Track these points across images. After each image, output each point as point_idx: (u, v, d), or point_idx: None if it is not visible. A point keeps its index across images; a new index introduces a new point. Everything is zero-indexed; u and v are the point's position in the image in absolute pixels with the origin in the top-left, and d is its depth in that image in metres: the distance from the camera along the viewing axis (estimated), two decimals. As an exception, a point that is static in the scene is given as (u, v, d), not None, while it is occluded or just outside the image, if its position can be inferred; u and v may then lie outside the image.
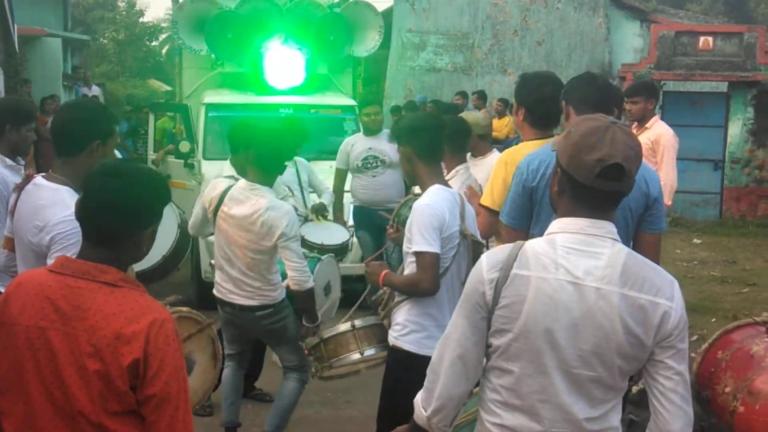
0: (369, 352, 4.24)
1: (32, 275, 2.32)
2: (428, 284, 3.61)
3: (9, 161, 4.75)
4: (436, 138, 3.84)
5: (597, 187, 2.21)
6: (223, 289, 4.77)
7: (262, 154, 4.66)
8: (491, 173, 4.12)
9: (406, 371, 3.70)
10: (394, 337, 3.79)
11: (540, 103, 4.02)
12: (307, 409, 5.69)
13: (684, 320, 2.23)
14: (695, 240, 12.47)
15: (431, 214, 3.60)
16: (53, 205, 3.23)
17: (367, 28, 9.98)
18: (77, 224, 2.78)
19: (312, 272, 5.08)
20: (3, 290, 4.15)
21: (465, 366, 2.37)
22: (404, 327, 3.76)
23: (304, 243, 5.55)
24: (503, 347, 2.27)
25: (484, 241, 3.76)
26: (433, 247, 3.56)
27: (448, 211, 3.64)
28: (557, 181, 2.32)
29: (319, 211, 6.69)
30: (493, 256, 2.32)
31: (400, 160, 3.96)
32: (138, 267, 3.27)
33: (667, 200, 5.73)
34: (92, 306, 2.17)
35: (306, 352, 4.56)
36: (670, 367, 2.23)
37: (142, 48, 38.81)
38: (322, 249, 5.55)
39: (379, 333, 4.01)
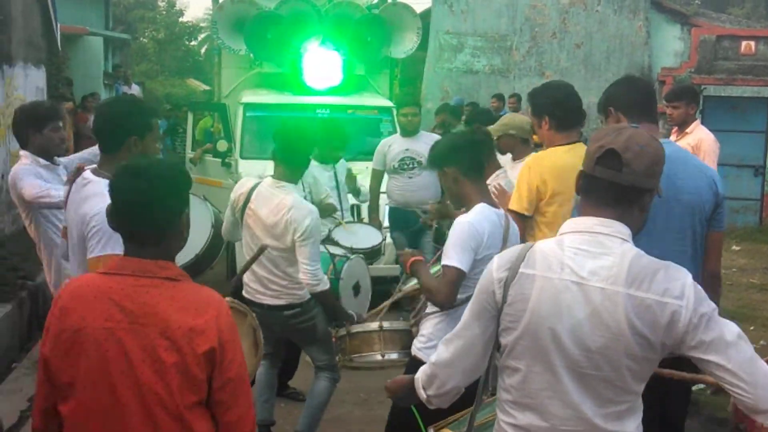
0: (391, 356, 4.25)
1: (85, 281, 2.38)
2: (443, 297, 3.58)
3: (43, 161, 4.93)
4: (479, 154, 3.81)
5: (597, 176, 2.25)
6: (251, 289, 4.79)
7: (283, 149, 4.68)
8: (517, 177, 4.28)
9: None
10: (417, 347, 3.78)
11: (558, 105, 4.26)
12: (339, 409, 5.72)
13: (701, 314, 2.16)
14: (734, 247, 12.30)
15: (470, 232, 3.56)
16: (93, 196, 3.32)
17: (404, 29, 9.99)
18: None
19: (340, 272, 5.16)
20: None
21: (468, 360, 2.44)
22: (429, 340, 3.72)
23: (336, 245, 5.58)
24: (510, 345, 2.31)
25: None
26: (461, 264, 3.52)
27: (488, 232, 3.59)
28: (576, 182, 2.37)
29: (351, 180, 6.87)
30: (503, 256, 2.38)
31: (443, 184, 3.88)
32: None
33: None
34: (160, 302, 2.25)
35: (334, 339, 4.57)
36: (715, 362, 2.17)
37: (181, 47, 39.16)
38: (352, 252, 5.55)
39: (405, 339, 3.99)
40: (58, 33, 11.49)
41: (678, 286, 2.19)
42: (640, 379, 2.26)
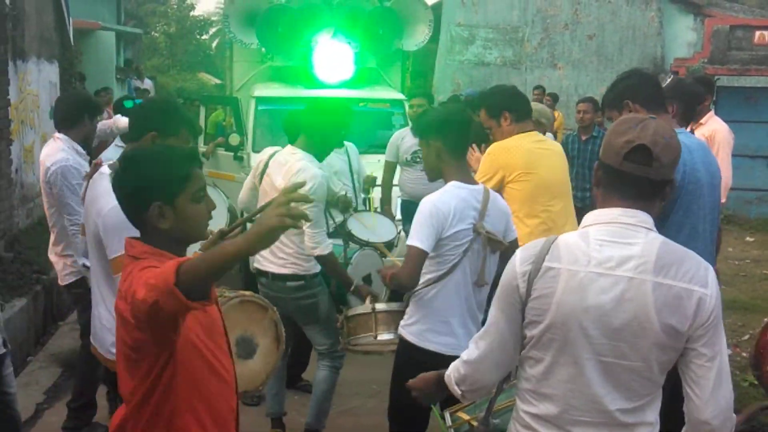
0: (384, 336, 4.28)
1: None
2: (404, 277, 3.65)
3: (80, 149, 5.01)
4: (466, 132, 3.83)
5: (626, 171, 2.25)
6: (261, 257, 4.87)
7: (309, 124, 4.81)
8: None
9: (407, 361, 3.75)
10: (402, 325, 3.85)
11: (515, 99, 4.73)
12: (353, 401, 5.75)
13: (719, 307, 2.24)
14: (748, 238, 12.26)
15: (432, 212, 3.61)
16: (107, 193, 3.33)
17: (416, 21, 9.97)
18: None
19: (350, 259, 5.22)
20: (76, 268, 4.38)
21: (500, 357, 2.45)
22: (410, 317, 3.81)
23: (352, 238, 5.59)
24: (536, 337, 2.32)
25: (502, 238, 3.75)
26: (421, 244, 3.57)
27: (456, 209, 3.62)
28: (595, 174, 2.37)
29: (369, 183, 6.86)
30: (526, 250, 2.37)
31: (424, 154, 3.90)
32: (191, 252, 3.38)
33: (722, 197, 5.66)
34: (124, 276, 2.36)
35: (338, 324, 4.60)
36: (703, 354, 2.24)
37: (192, 41, 39.25)
38: (367, 244, 5.56)
39: (398, 319, 4.00)
40: (71, 28, 11.54)
41: (703, 275, 2.23)
42: (664, 370, 2.28)
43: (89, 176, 3.63)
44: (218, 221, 5.20)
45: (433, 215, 3.60)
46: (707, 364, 2.24)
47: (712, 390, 2.24)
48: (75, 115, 5.07)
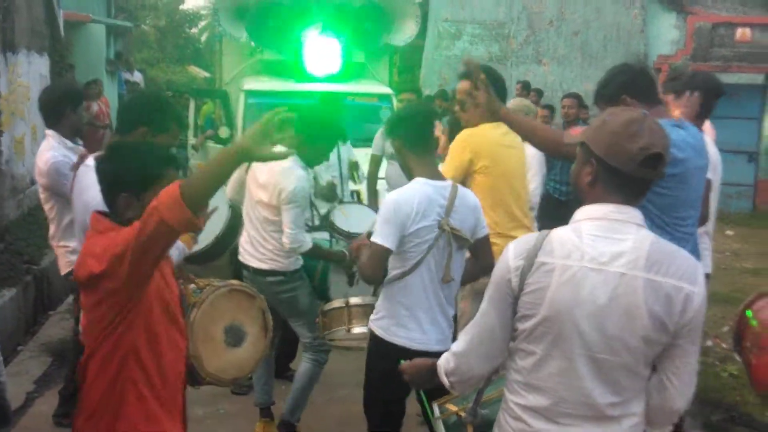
0: (357, 329, 4.32)
1: None
2: (368, 271, 3.67)
3: (69, 143, 5.04)
4: (423, 127, 3.79)
5: (637, 175, 2.26)
6: (243, 250, 4.94)
7: (304, 126, 4.67)
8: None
9: (376, 356, 3.78)
10: (371, 319, 3.85)
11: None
12: (341, 390, 5.80)
13: (704, 305, 2.27)
14: (728, 232, 12.37)
15: (394, 209, 3.59)
16: (94, 185, 3.39)
17: (404, 17, 10.02)
18: None
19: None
20: (71, 258, 4.40)
21: (488, 349, 2.46)
22: (378, 311, 3.80)
23: (333, 228, 5.65)
24: (528, 331, 2.33)
25: (468, 235, 3.72)
26: (384, 241, 3.57)
27: (418, 206, 3.59)
28: (591, 172, 2.33)
29: (353, 168, 6.92)
30: (519, 245, 2.36)
31: (395, 153, 3.94)
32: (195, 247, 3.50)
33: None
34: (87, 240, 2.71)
35: (317, 320, 4.64)
36: (687, 350, 2.29)
37: (182, 35, 38.98)
38: (349, 236, 5.60)
39: (370, 313, 3.98)
40: (61, 20, 11.53)
41: (693, 272, 2.26)
42: (650, 364, 2.32)
43: (76, 167, 3.67)
44: (220, 216, 5.32)
45: (396, 212, 3.58)
46: (689, 360, 2.30)
47: (688, 381, 2.32)
48: (57, 109, 5.07)
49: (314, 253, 4.86)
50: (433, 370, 2.66)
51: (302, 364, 5.04)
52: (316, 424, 5.28)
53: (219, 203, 5.63)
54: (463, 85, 4.61)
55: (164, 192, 2.37)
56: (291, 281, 4.89)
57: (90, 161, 3.56)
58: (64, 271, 5.11)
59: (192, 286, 3.84)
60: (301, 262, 4.93)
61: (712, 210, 4.86)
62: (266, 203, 4.75)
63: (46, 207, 5.06)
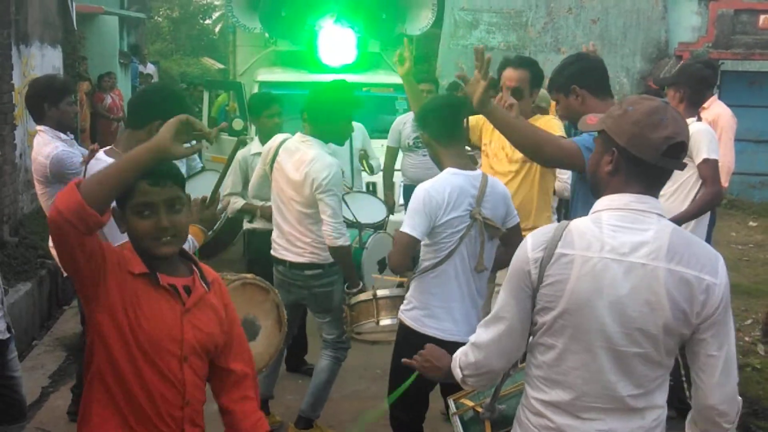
0: (385, 322, 4.33)
1: None
2: (394, 262, 3.70)
3: (63, 135, 4.98)
4: (450, 119, 3.80)
5: (660, 165, 2.24)
6: (278, 245, 4.85)
7: (311, 108, 4.72)
8: None
9: (407, 347, 3.71)
10: (401, 310, 3.87)
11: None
12: (356, 385, 5.78)
13: (727, 296, 2.24)
14: (751, 223, 12.25)
15: (424, 199, 3.63)
16: None
17: (419, 6, 9.94)
18: None
19: (366, 243, 5.14)
20: None
21: (508, 343, 2.42)
22: (409, 302, 3.83)
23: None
24: (548, 324, 2.31)
25: (499, 224, 3.74)
26: (412, 231, 3.61)
27: (450, 195, 3.63)
28: (611, 161, 2.30)
29: (363, 158, 6.85)
30: (537, 236, 2.34)
31: (425, 145, 3.98)
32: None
33: (724, 182, 5.66)
34: None
35: (343, 314, 4.63)
36: (712, 343, 2.24)
37: (195, 26, 39.11)
38: (354, 225, 5.50)
39: (399, 305, 4.02)
40: (74, 12, 11.50)
41: (714, 263, 2.24)
42: (671, 354, 2.29)
43: (86, 161, 3.63)
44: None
45: (426, 203, 3.62)
46: (715, 353, 2.25)
47: (719, 377, 2.26)
48: (35, 107, 5.05)
49: (346, 257, 4.70)
50: (448, 363, 2.65)
51: (322, 361, 5.00)
52: (332, 418, 5.25)
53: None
54: (517, 73, 4.61)
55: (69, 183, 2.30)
56: (329, 275, 4.81)
57: (101, 155, 3.52)
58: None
59: None
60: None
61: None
62: (299, 198, 4.65)
63: (47, 204, 5.00)
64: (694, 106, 5.17)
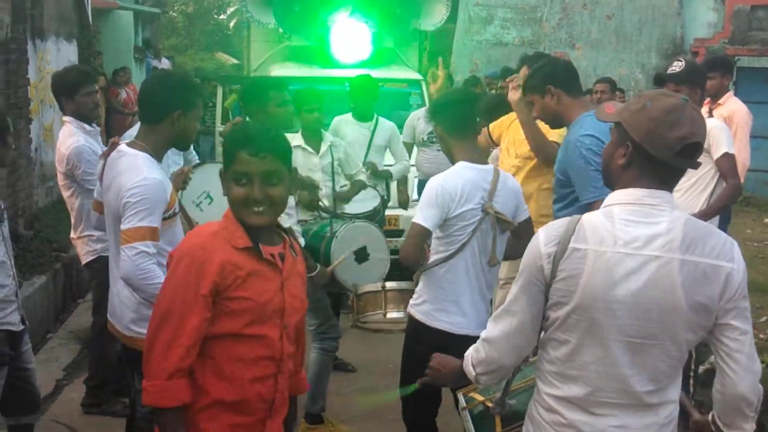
0: (392, 314, 4.33)
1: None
2: (404, 252, 3.70)
3: (87, 127, 5.05)
4: (464, 113, 3.82)
5: (673, 164, 2.23)
6: None
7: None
8: None
9: (416, 341, 3.79)
10: (411, 304, 3.87)
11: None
12: (369, 380, 5.78)
13: (745, 282, 2.23)
14: (766, 219, 12.16)
15: (437, 191, 3.65)
16: (128, 170, 3.38)
17: (434, 1, 9.91)
18: (150, 189, 3.04)
19: (336, 232, 4.88)
20: (95, 247, 4.46)
21: (520, 338, 2.40)
22: (419, 296, 3.83)
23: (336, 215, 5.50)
24: (561, 319, 2.29)
25: (510, 219, 3.77)
26: (424, 222, 3.63)
27: (463, 189, 3.65)
28: (625, 154, 2.28)
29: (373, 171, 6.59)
30: (550, 231, 2.32)
31: (438, 139, 4.00)
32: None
33: (740, 178, 5.63)
34: None
35: (350, 302, 4.64)
36: (736, 327, 2.23)
37: (210, 21, 39.17)
38: (335, 216, 5.35)
39: (407, 298, 4.03)
40: (89, 7, 11.56)
41: (729, 249, 2.23)
42: (689, 347, 2.28)
43: (106, 154, 3.64)
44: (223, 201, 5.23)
45: (438, 195, 3.63)
46: (741, 337, 2.23)
47: (746, 363, 2.24)
48: (57, 98, 5.22)
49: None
50: (461, 368, 2.61)
51: (311, 354, 4.97)
52: (344, 413, 5.25)
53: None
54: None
55: None
56: None
57: (123, 147, 3.53)
58: (86, 260, 5.09)
59: None
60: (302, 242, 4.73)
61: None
62: None
63: (66, 194, 5.05)
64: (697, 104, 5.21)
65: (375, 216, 5.86)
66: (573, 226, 2.27)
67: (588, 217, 2.29)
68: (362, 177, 6.08)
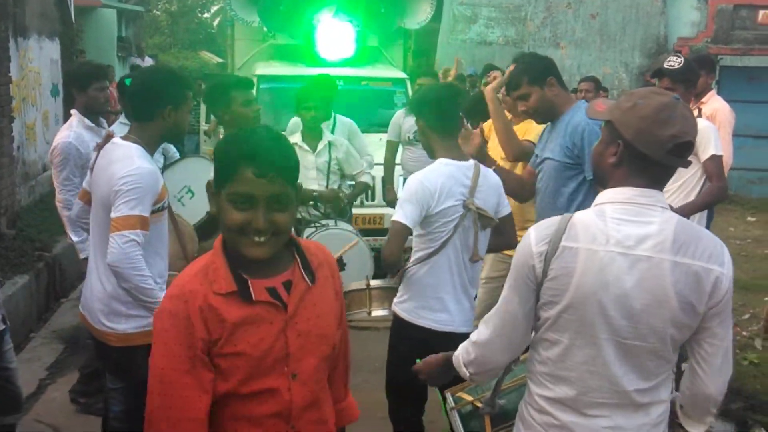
0: (377, 312, 4.28)
1: None
2: (388, 252, 3.66)
3: (88, 122, 5.10)
4: (447, 108, 3.79)
5: (664, 162, 2.22)
6: None
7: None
8: None
9: (400, 339, 3.80)
10: (395, 302, 3.87)
11: None
12: (356, 377, 5.68)
13: (731, 286, 2.22)
14: (749, 218, 12.24)
15: (417, 188, 3.62)
16: (121, 160, 3.39)
17: (418, 0, 9.92)
18: (142, 178, 3.00)
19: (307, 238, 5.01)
20: (75, 238, 4.46)
21: (511, 338, 2.39)
22: (403, 294, 3.82)
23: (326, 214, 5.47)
24: (552, 319, 2.27)
25: (492, 214, 3.76)
26: (404, 219, 3.59)
27: (444, 186, 3.62)
28: (616, 153, 2.27)
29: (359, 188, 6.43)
30: (541, 229, 2.30)
31: (418, 133, 3.96)
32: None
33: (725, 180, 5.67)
34: None
35: None
36: (716, 333, 2.24)
37: (194, 20, 39.04)
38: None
39: (392, 297, 4.01)
40: (72, 5, 11.48)
41: (720, 253, 2.21)
42: (677, 348, 2.28)
43: (100, 146, 3.64)
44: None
45: (418, 192, 3.61)
46: (718, 343, 2.24)
47: (720, 366, 2.27)
48: (68, 91, 5.32)
49: None
50: (448, 363, 2.62)
51: None
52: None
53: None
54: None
55: None
56: None
57: (116, 139, 3.55)
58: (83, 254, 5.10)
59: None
60: None
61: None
62: None
63: (56, 183, 5.10)
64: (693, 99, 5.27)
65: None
66: (564, 225, 2.25)
67: (579, 216, 2.27)
68: (366, 178, 6.08)
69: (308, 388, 2.17)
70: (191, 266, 2.17)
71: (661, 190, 2.28)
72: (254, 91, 8.82)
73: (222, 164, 2.07)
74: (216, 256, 2.12)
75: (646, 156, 2.21)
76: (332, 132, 6.57)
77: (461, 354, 2.54)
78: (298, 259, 2.19)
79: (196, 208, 4.49)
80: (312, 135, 5.68)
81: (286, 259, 2.18)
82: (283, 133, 4.79)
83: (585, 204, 2.39)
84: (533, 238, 2.29)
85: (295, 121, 6.66)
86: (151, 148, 3.55)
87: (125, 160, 3.35)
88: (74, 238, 4.78)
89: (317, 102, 5.92)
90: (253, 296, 2.07)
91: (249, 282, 2.08)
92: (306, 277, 2.17)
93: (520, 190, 4.31)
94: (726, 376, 2.30)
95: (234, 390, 2.08)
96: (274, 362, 2.10)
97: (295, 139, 5.56)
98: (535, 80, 4.11)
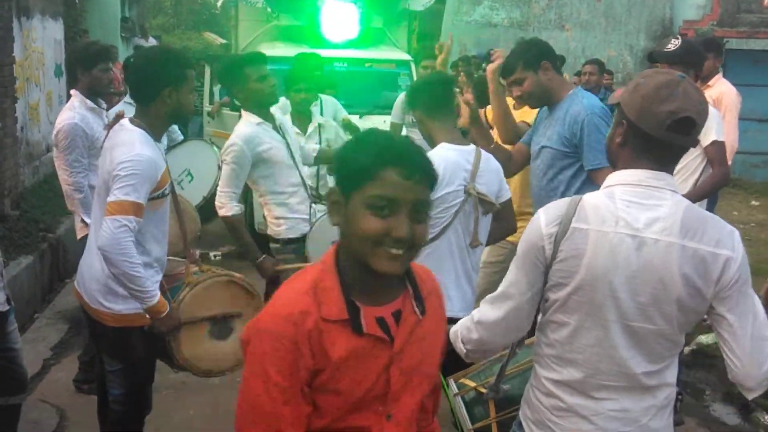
0: None
1: None
2: None
3: (90, 103, 5.08)
4: (440, 94, 3.77)
5: (665, 140, 2.21)
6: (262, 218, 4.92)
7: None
8: None
9: None
10: None
11: None
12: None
13: (746, 270, 2.20)
14: (753, 202, 12.23)
15: None
16: (123, 144, 3.39)
17: (423, -19, 9.88)
18: (140, 165, 3.00)
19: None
20: (89, 221, 4.48)
21: (515, 321, 2.38)
22: None
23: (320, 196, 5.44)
24: (561, 301, 2.27)
25: (493, 200, 3.74)
26: None
27: (445, 170, 3.57)
28: (622, 133, 2.28)
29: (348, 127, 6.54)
30: (551, 211, 2.29)
31: (417, 125, 3.93)
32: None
33: (728, 161, 5.64)
34: None
35: None
36: (727, 318, 2.21)
37: (197, 0, 38.88)
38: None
39: None
40: (75, -15, 11.43)
41: (729, 237, 2.20)
42: (684, 331, 2.27)
43: (110, 127, 3.64)
44: (209, 178, 5.18)
45: None
46: (736, 329, 2.21)
47: (748, 355, 2.21)
48: (72, 70, 5.25)
49: (232, 229, 4.57)
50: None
51: None
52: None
53: (209, 163, 5.55)
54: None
55: None
56: (284, 251, 4.70)
57: (125, 121, 3.53)
58: (80, 235, 5.09)
59: (194, 268, 3.76)
60: (294, 231, 4.69)
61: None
62: None
63: (58, 165, 5.09)
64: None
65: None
66: (574, 207, 2.25)
67: (588, 198, 2.27)
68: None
69: (401, 429, 1.96)
70: (295, 282, 1.93)
71: (671, 173, 2.27)
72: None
73: (357, 165, 1.82)
74: (327, 273, 1.89)
75: (647, 134, 2.21)
76: (321, 113, 6.55)
77: (461, 331, 2.51)
78: (410, 288, 1.97)
79: (194, 192, 4.48)
80: (301, 117, 5.65)
81: (397, 285, 1.96)
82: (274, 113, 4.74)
83: (582, 192, 2.38)
84: (543, 219, 2.28)
85: (283, 102, 6.63)
86: (156, 131, 3.53)
87: (127, 146, 3.34)
88: (88, 221, 4.76)
89: (307, 83, 5.89)
90: (364, 328, 1.85)
91: (361, 310, 1.86)
92: (416, 309, 1.96)
93: (506, 163, 4.24)
94: (758, 367, 2.22)
95: (324, 426, 1.89)
96: (371, 400, 1.91)
97: (287, 121, 5.51)
98: (530, 65, 4.12)
